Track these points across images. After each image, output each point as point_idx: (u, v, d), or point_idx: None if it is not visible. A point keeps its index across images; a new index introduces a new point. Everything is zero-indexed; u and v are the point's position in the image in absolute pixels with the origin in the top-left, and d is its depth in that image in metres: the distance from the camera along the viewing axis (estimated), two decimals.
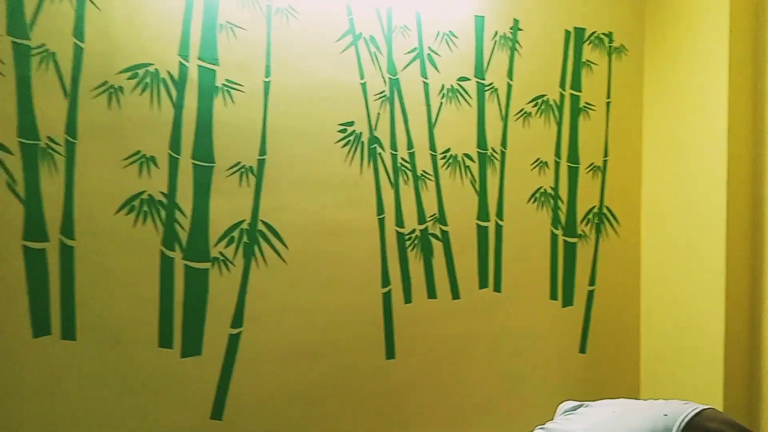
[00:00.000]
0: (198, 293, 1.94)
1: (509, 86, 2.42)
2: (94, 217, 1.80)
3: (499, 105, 2.41)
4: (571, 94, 2.49)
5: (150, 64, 1.85)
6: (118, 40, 1.81)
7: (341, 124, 2.16)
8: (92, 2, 1.77)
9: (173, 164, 1.90)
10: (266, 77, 2.03)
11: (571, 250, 2.53)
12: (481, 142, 2.39)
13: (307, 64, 2.09)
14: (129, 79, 1.83)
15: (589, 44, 2.51)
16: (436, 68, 2.33)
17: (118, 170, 1.83)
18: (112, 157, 1.82)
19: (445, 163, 2.35)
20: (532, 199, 2.47)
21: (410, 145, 2.29)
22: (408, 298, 2.27)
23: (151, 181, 1.88)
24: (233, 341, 1.99)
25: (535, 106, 2.46)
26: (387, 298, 2.23)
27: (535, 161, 2.47)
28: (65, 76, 1.75)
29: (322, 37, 2.12)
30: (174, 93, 1.89)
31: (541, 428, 1.68)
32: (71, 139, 1.77)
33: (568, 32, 2.47)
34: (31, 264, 1.73)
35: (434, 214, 2.33)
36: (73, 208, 1.77)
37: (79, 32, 1.76)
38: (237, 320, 2.00)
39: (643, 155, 2.60)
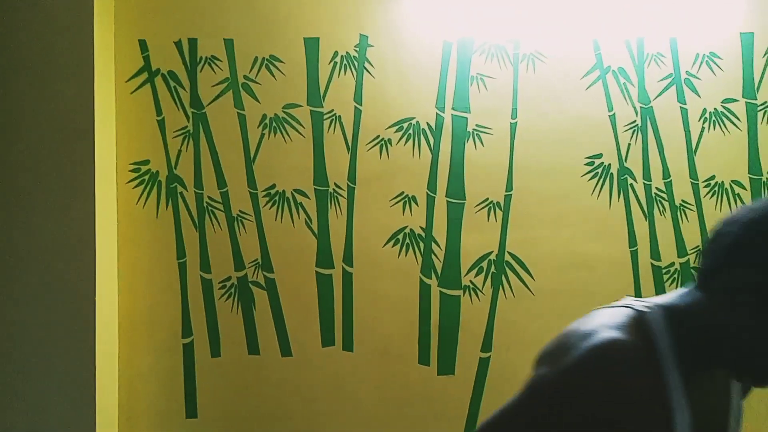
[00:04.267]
0: (451, 318, 2.15)
1: None
2: (368, 248, 2.15)
3: None
4: None
5: (412, 118, 2.16)
6: (387, 100, 2.16)
7: (588, 157, 2.18)
8: (368, 71, 2.16)
9: (430, 202, 2.16)
10: (513, 119, 2.18)
11: None
12: (754, 167, 2.17)
13: (553, 103, 2.18)
14: (396, 132, 2.16)
15: None
16: (696, 93, 2.20)
17: (386, 209, 2.16)
18: (382, 198, 2.16)
19: (708, 192, 2.19)
20: None
21: (666, 174, 2.19)
22: None
23: (412, 218, 2.16)
24: (483, 364, 2.15)
25: None
26: None
27: None
28: (348, 133, 2.16)
29: (568, 75, 2.19)
30: (431, 140, 2.16)
31: None
32: (351, 185, 2.15)
33: None
34: (322, 286, 2.14)
35: (697, 246, 2.18)
36: (352, 241, 2.15)
37: (358, 97, 2.16)
38: (486, 345, 2.15)
39: None
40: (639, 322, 0.87)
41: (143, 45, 2.12)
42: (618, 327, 0.85)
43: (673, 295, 0.90)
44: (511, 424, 0.87)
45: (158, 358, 2.09)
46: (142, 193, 2.11)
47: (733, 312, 0.83)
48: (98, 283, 1.90)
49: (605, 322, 0.87)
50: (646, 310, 0.88)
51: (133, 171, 2.11)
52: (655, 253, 2.18)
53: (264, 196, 2.14)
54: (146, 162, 2.11)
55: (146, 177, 2.11)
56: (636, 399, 0.82)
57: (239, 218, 2.13)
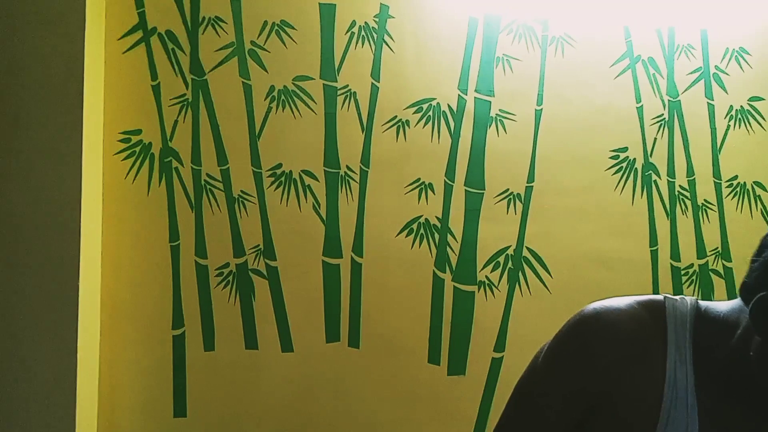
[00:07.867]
0: (464, 315, 2.02)
1: None
2: (380, 237, 1.99)
3: None
4: None
5: (433, 99, 2.00)
6: (407, 78, 1.99)
7: (613, 150, 2.08)
8: (387, 45, 1.98)
9: (448, 191, 2.02)
10: (538, 105, 2.04)
11: None
12: None
13: (580, 91, 2.06)
14: (414, 113, 1.99)
15: None
16: (723, 89, 2.12)
17: (400, 196, 2.00)
18: (396, 184, 2.00)
19: (731, 192, 2.12)
20: None
21: (690, 172, 2.11)
22: None
23: (428, 207, 2.01)
24: (495, 365, 2.03)
25: None
26: None
27: None
28: (363, 112, 1.98)
29: (597, 62, 2.07)
30: (452, 124, 2.01)
31: None
32: (365, 168, 1.98)
33: None
34: (328, 277, 1.97)
35: (716, 248, 2.11)
36: (363, 229, 1.98)
37: (376, 73, 1.98)
38: (500, 344, 2.03)
39: None
40: (654, 305, 0.78)
41: None
42: (622, 301, 0.78)
43: (724, 301, 0.80)
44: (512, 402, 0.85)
45: (145, 351, 1.89)
46: (132, 166, 1.88)
47: (746, 332, 0.71)
48: (82, 266, 1.68)
49: (614, 299, 0.80)
50: (672, 297, 0.79)
51: (122, 141, 1.87)
52: (675, 254, 2.10)
53: (269, 177, 1.94)
54: (138, 132, 1.88)
55: (137, 149, 1.88)
56: (603, 368, 0.74)
57: (240, 199, 1.93)
